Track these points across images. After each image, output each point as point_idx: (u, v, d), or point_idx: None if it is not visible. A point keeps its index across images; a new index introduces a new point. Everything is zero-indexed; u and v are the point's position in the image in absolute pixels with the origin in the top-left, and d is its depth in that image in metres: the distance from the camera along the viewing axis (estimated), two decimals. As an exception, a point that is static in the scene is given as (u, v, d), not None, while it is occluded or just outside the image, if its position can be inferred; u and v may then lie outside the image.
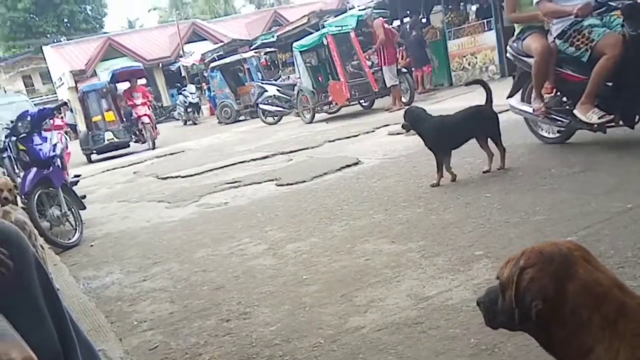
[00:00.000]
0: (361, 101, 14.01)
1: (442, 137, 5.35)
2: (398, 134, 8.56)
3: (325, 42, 13.28)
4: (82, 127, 19.42)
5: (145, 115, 15.69)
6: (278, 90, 16.40)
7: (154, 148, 15.06)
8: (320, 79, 14.19)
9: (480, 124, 5.33)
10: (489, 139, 5.36)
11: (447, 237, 3.86)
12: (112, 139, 15.63)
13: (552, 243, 1.37)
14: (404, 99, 13.00)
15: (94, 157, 16.16)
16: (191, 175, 9.04)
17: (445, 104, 11.31)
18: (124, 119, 16.49)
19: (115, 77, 17.15)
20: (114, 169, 12.59)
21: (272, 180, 7.25)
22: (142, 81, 19.11)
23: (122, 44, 35.53)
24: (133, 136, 16.17)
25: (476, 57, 15.25)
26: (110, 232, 6.23)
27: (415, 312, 2.88)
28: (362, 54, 13.61)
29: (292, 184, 6.76)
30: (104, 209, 7.74)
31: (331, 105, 14.10)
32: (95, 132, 15.72)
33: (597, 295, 1.22)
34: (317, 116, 14.00)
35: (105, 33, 42.81)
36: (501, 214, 4.08)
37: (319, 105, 13.97)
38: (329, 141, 9.75)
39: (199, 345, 3.03)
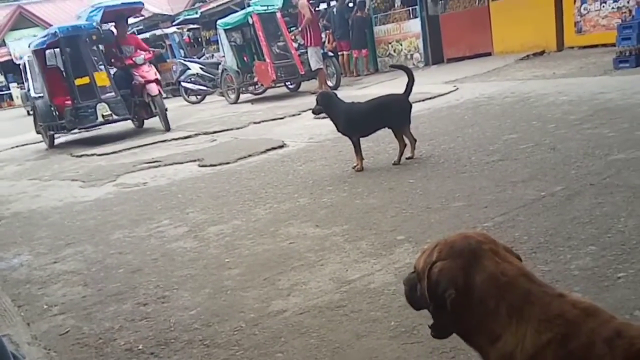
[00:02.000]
0: (287, 83, 13.91)
1: (352, 123, 5.37)
2: (324, 118, 8.55)
3: (250, 21, 13.03)
4: (34, 92, 11.85)
5: (154, 81, 10.56)
6: (201, 68, 16.00)
7: (169, 129, 10.25)
8: (245, 58, 13.94)
9: (390, 114, 5.29)
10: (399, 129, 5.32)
11: (370, 221, 3.89)
12: (109, 114, 10.25)
13: (463, 236, 1.42)
14: (330, 83, 13.01)
15: (60, 138, 11.49)
16: (108, 154, 8.70)
17: (371, 89, 11.41)
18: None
19: (106, 17, 11.19)
20: (25, 144, 11.90)
21: (195, 160, 7.08)
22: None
23: (34, 12, 33.51)
24: (132, 111, 10.99)
25: (401, 44, 15.48)
26: (19, 212, 5.87)
27: (337, 295, 2.89)
28: (289, 34, 13.48)
29: (215, 165, 6.63)
30: (12, 187, 7.30)
31: (257, 86, 13.91)
32: (80, 103, 10.15)
33: (502, 285, 1.28)
34: (242, 97, 13.78)
35: (15, 0, 40.24)
36: (423, 199, 4.15)
37: (244, 85, 13.75)
38: (254, 123, 9.63)
39: (114, 330, 2.91)
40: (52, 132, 10.92)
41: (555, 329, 1.20)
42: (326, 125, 8.09)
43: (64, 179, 7.32)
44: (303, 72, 13.12)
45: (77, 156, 9.07)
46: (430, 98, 8.75)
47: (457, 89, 9.37)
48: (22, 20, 32.99)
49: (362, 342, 2.43)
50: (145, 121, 11.39)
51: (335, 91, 5.77)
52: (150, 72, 10.64)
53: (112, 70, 11.13)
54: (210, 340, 2.65)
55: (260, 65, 13.09)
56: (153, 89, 10.34)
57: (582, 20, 11.43)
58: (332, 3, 17.81)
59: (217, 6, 20.20)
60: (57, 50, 10.50)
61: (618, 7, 10.76)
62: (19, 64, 15.10)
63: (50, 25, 32.80)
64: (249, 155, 6.79)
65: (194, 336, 2.71)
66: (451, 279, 1.33)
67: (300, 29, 13.40)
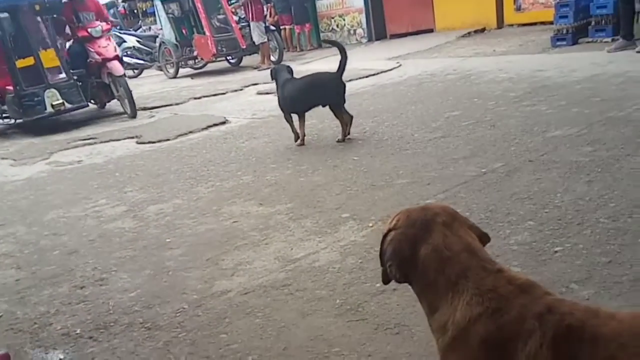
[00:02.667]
0: (228, 57, 13.62)
1: (285, 99, 5.32)
2: (267, 93, 8.45)
3: (189, -8, 12.68)
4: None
5: (114, 58, 8.59)
6: (138, 41, 15.45)
7: (134, 116, 8.41)
8: (184, 31, 13.53)
9: (324, 92, 5.21)
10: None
11: (315, 199, 3.87)
12: (60, 103, 8.08)
13: (423, 207, 1.45)
14: (272, 58, 12.84)
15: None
16: (41, 131, 8.30)
17: (314, 64, 11.33)
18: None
19: None
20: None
21: (132, 137, 6.86)
22: None
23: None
24: (89, 95, 8.90)
25: (344, 19, 15.40)
26: (-57, 191, 5.55)
27: (282, 274, 2.86)
28: (229, 7, 13.17)
29: (154, 142, 6.44)
30: None
31: (196, 60, 13.56)
32: (24, 90, 7.94)
33: (443, 259, 1.30)
34: (182, 71, 13.42)
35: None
36: (367, 177, 4.16)
37: (184, 59, 13.38)
38: (195, 98, 9.41)
39: (50, 314, 2.80)
40: None
41: (486, 303, 1.22)
42: (269, 101, 7.98)
43: (-7, 156, 6.97)
44: (245, 46, 12.87)
45: (6, 133, 8.63)
46: (373, 74, 8.76)
47: (400, 65, 9.41)
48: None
49: (307, 321, 2.42)
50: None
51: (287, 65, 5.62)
52: (109, 47, 8.61)
53: (68, 44, 9.26)
54: (152, 322, 2.58)
55: (200, 38, 12.75)
56: (116, 68, 8.40)
57: (521, -2, 11.67)
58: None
59: (155, -24, 19.49)
60: None
61: (555, -14, 11.03)
62: None
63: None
64: (190, 132, 6.64)
65: (135, 319, 2.64)
66: (397, 249, 1.37)
67: (240, 2, 13.11)
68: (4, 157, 6.84)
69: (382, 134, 5.29)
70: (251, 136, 6.07)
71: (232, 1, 14.06)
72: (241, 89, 9.75)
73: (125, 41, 15.30)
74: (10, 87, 8.07)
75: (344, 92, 5.23)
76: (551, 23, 9.04)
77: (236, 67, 13.56)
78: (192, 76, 13.09)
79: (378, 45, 13.84)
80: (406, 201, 3.53)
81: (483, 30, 12.10)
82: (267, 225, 3.52)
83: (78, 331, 2.60)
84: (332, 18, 15.69)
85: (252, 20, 12.53)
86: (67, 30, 8.98)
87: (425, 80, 7.70)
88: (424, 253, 1.33)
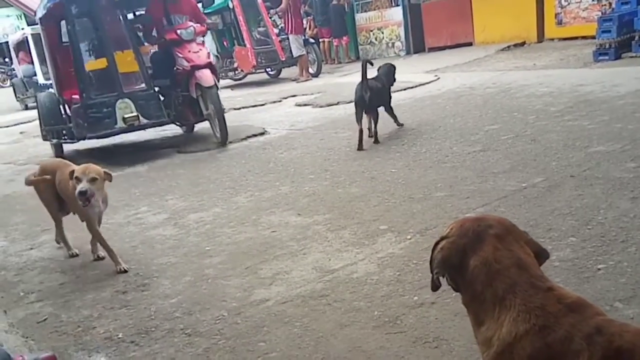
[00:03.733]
0: (268, 69, 13.80)
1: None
2: (305, 105, 8.53)
3: (230, 5, 12.88)
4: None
5: (206, 66, 6.77)
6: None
7: (224, 143, 6.65)
8: (225, 43, 13.79)
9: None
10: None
11: (352, 210, 3.88)
12: (134, 116, 6.56)
13: (477, 217, 1.45)
14: (311, 70, 12.94)
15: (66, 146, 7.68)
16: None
17: (352, 77, 11.36)
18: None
19: None
20: (-2, 127, 11.67)
21: (173, 147, 6.99)
22: None
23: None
24: (172, 112, 7.05)
25: (383, 32, 15.43)
26: (-7, 196, 5.76)
27: (320, 284, 2.88)
28: (269, 20, 13.35)
29: (195, 152, 6.56)
30: (-15, 171, 7.14)
31: (236, 72, 13.78)
32: (92, 99, 6.55)
33: (492, 272, 1.30)
34: (222, 82, 13.60)
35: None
36: (405, 189, 4.15)
37: (224, 70, 13.61)
38: (235, 109, 9.54)
39: (93, 318, 2.87)
40: (58, 140, 7.36)
41: (532, 320, 1.21)
42: (307, 113, 8.08)
43: (39, 163, 7.16)
44: (284, 59, 13.02)
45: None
46: (411, 87, 8.75)
47: (439, 78, 9.38)
48: (-1, 1, 32.13)
49: (345, 332, 2.42)
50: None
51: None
52: (200, 53, 6.83)
53: (151, 50, 7.84)
54: (192, 329, 2.62)
55: (241, 50, 12.97)
56: (206, 77, 6.54)
57: (562, 12, 11.49)
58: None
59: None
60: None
61: (598, 0, 10.85)
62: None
63: (26, 6, 32.21)
64: (230, 142, 6.73)
65: (175, 325, 2.68)
66: (446, 257, 1.37)
67: (276, 11, 13.25)
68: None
69: (420, 146, 5.28)
70: (289, 147, 6.12)
71: (272, 14, 14.25)
72: (280, 101, 9.85)
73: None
74: (78, 96, 6.75)
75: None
76: (593, 37, 8.88)
77: (275, 79, 13.72)
78: (231, 87, 13.30)
79: (416, 58, 13.81)
80: (445, 214, 3.51)
81: (523, 44, 11.97)
82: (305, 236, 3.54)
83: (120, 335, 2.66)
84: (371, 31, 15.74)
85: (291, 33, 12.67)
86: (154, 32, 7.33)
87: (463, 93, 7.65)
88: (473, 264, 1.33)
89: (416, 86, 8.82)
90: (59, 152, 7.34)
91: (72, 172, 3.32)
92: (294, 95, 10.06)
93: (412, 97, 8.03)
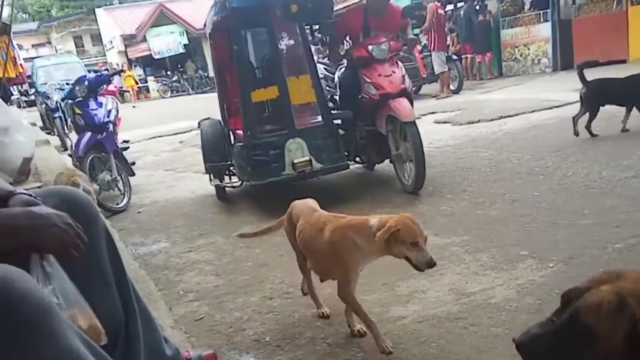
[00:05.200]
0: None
1: None
2: (445, 122, 8.50)
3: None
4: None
5: (401, 94, 5.24)
6: (325, 69, 16.23)
7: (416, 191, 5.10)
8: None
9: None
10: None
11: (491, 233, 3.86)
12: (305, 162, 5.08)
13: (634, 277, 1.20)
14: (452, 87, 12.84)
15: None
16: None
17: (494, 94, 11.14)
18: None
19: None
20: (159, 136, 12.83)
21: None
22: None
23: (173, 11, 35.85)
24: (352, 152, 5.83)
25: (529, 49, 14.93)
26: (157, 200, 6.39)
27: (457, 307, 2.91)
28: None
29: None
30: (150, 177, 7.93)
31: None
32: (256, 138, 5.18)
33: None
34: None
35: (157, -1, 43.24)
36: (548, 214, 4.05)
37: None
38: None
39: (243, 320, 3.13)
40: (220, 181, 5.99)
41: None
42: (446, 131, 8.05)
43: (197, 171, 7.79)
44: (425, 75, 13.04)
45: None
46: (557, 106, 8.41)
47: (589, 97, 8.89)
48: (162, 17, 35.35)
49: (483, 357, 2.45)
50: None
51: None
52: (393, 77, 5.25)
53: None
54: (333, 339, 2.78)
55: (382, 67, 13.10)
56: (404, 109, 5.05)
57: None
58: (460, 4, 17.48)
59: (345, 7, 20.39)
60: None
61: None
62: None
63: (187, 22, 34.89)
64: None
65: (317, 334, 2.85)
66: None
67: (421, 29, 13.27)
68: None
69: (566, 169, 5.09)
70: (428, 165, 6.11)
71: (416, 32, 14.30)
72: (419, 117, 9.82)
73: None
74: (240, 131, 5.61)
75: None
76: None
77: (415, 95, 13.71)
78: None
79: (563, 75, 13.17)
80: (591, 244, 3.39)
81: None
82: (442, 256, 3.58)
83: (267, 339, 2.88)
84: (516, 47, 15.30)
85: (434, 50, 12.66)
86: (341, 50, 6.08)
87: (616, 114, 7.20)
88: None
89: (563, 105, 8.45)
90: (221, 195, 6.04)
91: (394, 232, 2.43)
92: (433, 112, 10.05)
93: (558, 117, 7.71)
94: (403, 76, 5.30)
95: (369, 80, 5.29)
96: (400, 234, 2.42)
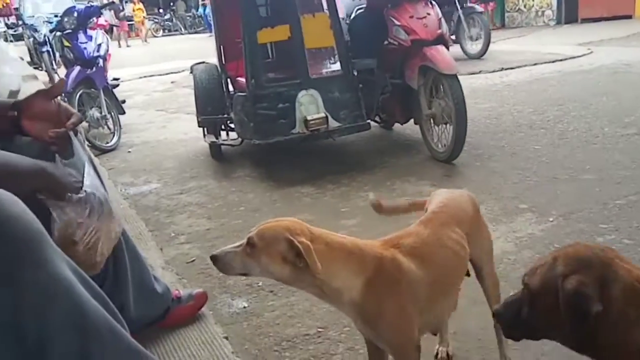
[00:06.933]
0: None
1: None
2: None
3: None
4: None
5: (437, 39, 4.27)
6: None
7: (452, 158, 4.29)
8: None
9: None
10: None
11: (490, 185, 3.80)
12: (319, 119, 4.24)
13: (583, 246, 1.29)
14: (452, 36, 12.55)
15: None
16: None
17: (496, 45, 10.90)
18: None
19: None
20: (151, 76, 12.52)
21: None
22: None
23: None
24: (373, 110, 4.80)
25: (533, 0, 14.58)
26: (147, 141, 6.26)
27: (454, 258, 2.86)
28: None
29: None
30: (141, 117, 7.75)
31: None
32: (262, 87, 4.28)
33: None
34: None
35: None
36: (548, 168, 3.98)
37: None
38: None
39: (235, 264, 3.06)
40: (215, 139, 5.08)
41: None
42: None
43: (189, 112, 7.58)
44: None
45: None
46: (560, 60, 8.25)
47: (592, 52, 8.74)
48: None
49: (479, 309, 2.40)
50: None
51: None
52: (429, 20, 4.34)
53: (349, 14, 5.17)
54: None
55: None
56: (443, 60, 4.13)
57: None
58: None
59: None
60: None
61: None
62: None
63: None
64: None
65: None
66: (592, 292, 1.18)
67: None
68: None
69: (568, 124, 5.00)
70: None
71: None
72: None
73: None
74: (243, 80, 4.59)
75: None
76: None
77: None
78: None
79: (567, 28, 12.93)
80: (591, 199, 3.34)
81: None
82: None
83: (260, 284, 2.82)
84: (520, -3, 14.95)
85: None
86: None
87: (620, 70, 7.09)
88: (619, 291, 1.19)
89: (566, 59, 8.31)
90: (216, 152, 5.18)
91: None
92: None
93: (560, 71, 7.57)
94: (440, 19, 4.39)
95: (398, 23, 4.37)
96: None
